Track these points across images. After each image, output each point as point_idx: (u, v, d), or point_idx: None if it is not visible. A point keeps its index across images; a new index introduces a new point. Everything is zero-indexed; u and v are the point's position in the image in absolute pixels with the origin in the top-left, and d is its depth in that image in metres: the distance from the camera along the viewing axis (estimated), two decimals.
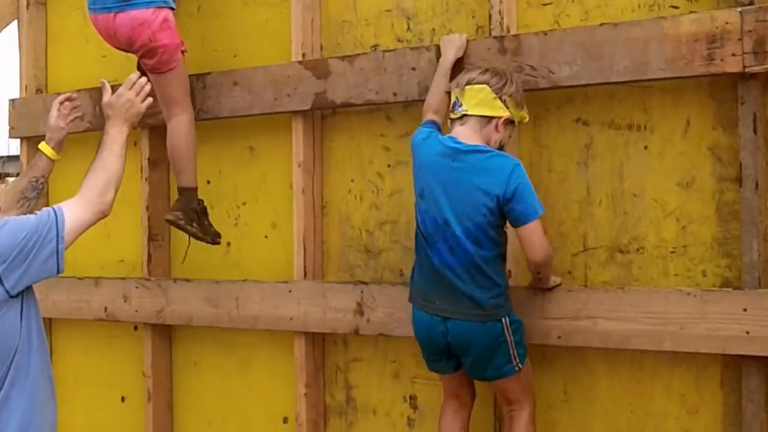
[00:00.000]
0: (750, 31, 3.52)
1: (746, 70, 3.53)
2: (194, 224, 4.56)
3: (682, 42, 3.63)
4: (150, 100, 3.80)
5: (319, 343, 4.61)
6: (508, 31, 4.05)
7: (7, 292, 3.11)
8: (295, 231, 4.57)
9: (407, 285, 4.08)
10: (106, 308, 5.18)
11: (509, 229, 3.76)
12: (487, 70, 3.82)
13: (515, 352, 3.73)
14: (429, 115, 3.99)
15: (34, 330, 3.22)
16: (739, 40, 3.53)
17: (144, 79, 3.79)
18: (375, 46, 4.46)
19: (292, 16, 4.59)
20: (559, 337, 3.87)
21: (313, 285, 4.50)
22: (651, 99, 3.84)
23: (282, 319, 4.57)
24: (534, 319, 3.88)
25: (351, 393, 4.56)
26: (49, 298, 5.11)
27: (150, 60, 4.45)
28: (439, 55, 4.09)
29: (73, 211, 3.26)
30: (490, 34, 4.09)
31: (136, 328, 5.19)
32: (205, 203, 4.65)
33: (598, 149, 3.94)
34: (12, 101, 5.61)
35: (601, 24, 3.83)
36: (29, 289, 3.20)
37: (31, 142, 5.42)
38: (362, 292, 4.33)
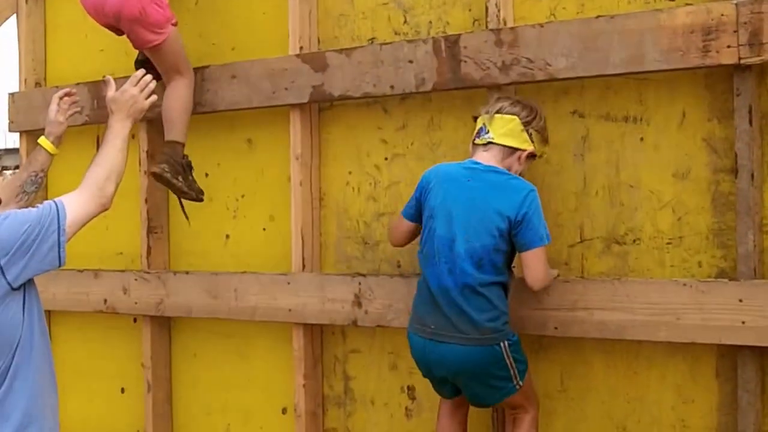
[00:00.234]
0: (745, 23, 3.53)
1: (742, 61, 3.55)
2: (180, 178, 4.51)
3: (677, 34, 3.64)
4: (154, 97, 3.82)
5: (318, 334, 4.63)
6: (505, 24, 4.06)
7: (9, 284, 3.13)
8: (293, 223, 4.59)
9: (405, 276, 4.10)
10: (105, 300, 5.19)
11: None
12: (518, 101, 3.86)
13: (516, 372, 3.72)
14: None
15: (36, 321, 3.24)
16: (735, 31, 3.54)
17: (149, 77, 3.81)
18: (372, 39, 4.47)
19: (290, 9, 4.60)
20: (556, 328, 3.89)
21: (311, 277, 4.52)
22: (647, 91, 3.85)
23: (280, 310, 4.58)
24: (531, 309, 3.90)
25: (349, 384, 4.58)
26: (48, 290, 5.12)
27: (140, 34, 4.44)
28: (437, 47, 4.11)
29: (74, 204, 3.28)
30: (486, 27, 4.10)
31: (135, 320, 5.22)
32: (190, 159, 4.60)
33: (595, 141, 3.96)
34: (11, 95, 5.62)
35: (597, 16, 3.84)
36: (31, 281, 3.22)
37: (31, 135, 5.44)
38: (360, 283, 4.35)
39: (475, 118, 3.94)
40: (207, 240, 4.97)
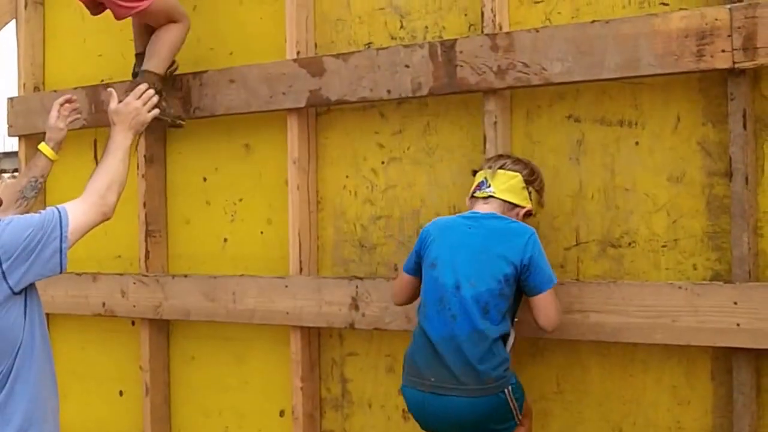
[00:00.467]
0: (739, 28, 3.55)
1: (736, 66, 3.57)
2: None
3: (672, 38, 3.66)
4: (157, 111, 3.86)
5: (315, 337, 4.64)
6: (500, 29, 4.08)
7: (11, 288, 3.14)
8: (290, 226, 4.60)
9: None
10: (104, 303, 5.21)
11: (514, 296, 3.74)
12: (520, 160, 3.88)
13: (517, 411, 3.69)
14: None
15: (37, 325, 3.26)
16: (729, 36, 3.56)
17: (152, 91, 3.84)
18: (368, 44, 4.49)
19: (287, 14, 4.62)
20: (552, 330, 3.91)
21: (308, 280, 4.54)
22: (641, 95, 3.87)
23: (278, 313, 4.60)
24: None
25: (346, 386, 4.60)
26: (47, 293, 5.10)
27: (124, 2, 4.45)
28: (433, 52, 4.13)
29: (76, 211, 3.30)
30: (482, 32, 4.12)
31: (133, 323, 5.23)
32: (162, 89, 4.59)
33: (590, 145, 3.97)
34: (10, 99, 5.63)
35: (592, 21, 3.86)
36: (32, 285, 3.24)
37: (29, 139, 5.46)
38: (357, 286, 4.36)
39: (474, 173, 3.95)
40: (205, 243, 4.99)
